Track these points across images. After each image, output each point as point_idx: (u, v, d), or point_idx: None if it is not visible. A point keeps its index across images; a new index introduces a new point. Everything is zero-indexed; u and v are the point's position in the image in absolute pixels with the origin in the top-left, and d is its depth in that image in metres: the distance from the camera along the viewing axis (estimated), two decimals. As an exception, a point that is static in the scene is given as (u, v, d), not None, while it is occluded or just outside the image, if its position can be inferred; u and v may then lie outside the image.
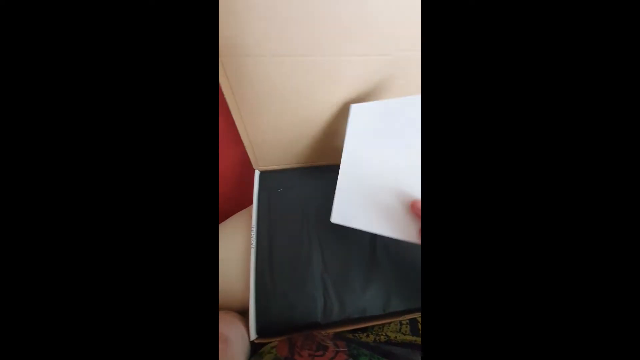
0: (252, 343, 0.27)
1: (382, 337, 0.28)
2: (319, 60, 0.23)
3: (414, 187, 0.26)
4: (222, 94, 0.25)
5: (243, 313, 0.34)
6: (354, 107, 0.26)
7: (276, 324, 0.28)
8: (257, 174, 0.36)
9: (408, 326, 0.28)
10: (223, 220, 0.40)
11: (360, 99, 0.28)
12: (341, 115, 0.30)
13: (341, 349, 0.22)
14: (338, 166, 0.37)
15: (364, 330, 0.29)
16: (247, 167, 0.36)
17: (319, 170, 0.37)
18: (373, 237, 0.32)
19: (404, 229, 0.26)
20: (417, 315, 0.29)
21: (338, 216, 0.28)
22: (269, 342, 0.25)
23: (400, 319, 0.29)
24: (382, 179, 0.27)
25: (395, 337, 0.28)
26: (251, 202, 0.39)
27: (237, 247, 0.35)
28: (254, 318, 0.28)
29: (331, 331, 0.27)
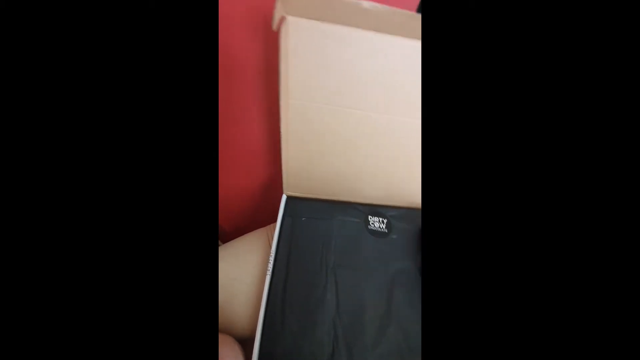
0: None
1: None
2: (371, 116, 0.26)
3: None
4: (279, 124, 0.27)
5: (241, 341, 0.32)
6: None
7: (279, 364, 0.26)
8: (284, 198, 0.36)
9: None
10: (242, 235, 0.40)
11: (399, 153, 0.31)
12: (380, 164, 0.32)
13: None
14: (364, 205, 0.37)
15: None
16: (276, 189, 0.36)
17: (346, 206, 0.37)
18: (391, 287, 0.31)
19: None
20: None
21: None
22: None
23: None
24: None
25: None
26: (271, 222, 0.39)
27: (250, 268, 0.35)
28: (257, 354, 0.26)
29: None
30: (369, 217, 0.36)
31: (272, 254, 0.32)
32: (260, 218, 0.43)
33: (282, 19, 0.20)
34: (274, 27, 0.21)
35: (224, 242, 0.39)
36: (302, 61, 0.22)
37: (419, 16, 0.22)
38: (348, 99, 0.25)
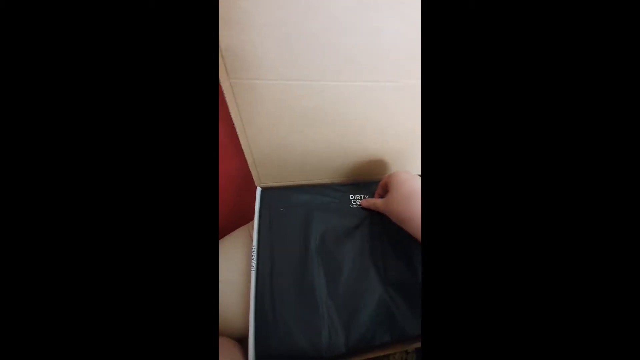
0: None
1: None
2: (329, 85, 0.24)
3: None
4: (228, 112, 0.24)
5: (240, 340, 0.32)
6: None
7: (277, 357, 0.26)
8: (258, 191, 0.34)
9: (414, 355, 0.27)
10: (222, 237, 0.39)
11: (366, 121, 0.28)
12: (349, 136, 0.29)
13: None
14: (343, 184, 0.36)
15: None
16: (248, 184, 0.34)
17: (323, 188, 0.35)
18: (378, 253, 0.31)
19: None
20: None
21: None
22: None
23: (407, 348, 0.27)
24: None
25: None
26: (250, 219, 0.37)
27: (236, 268, 0.34)
28: (252, 352, 0.26)
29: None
30: (350, 195, 0.35)
31: (253, 250, 0.30)
32: (239, 216, 0.41)
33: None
34: None
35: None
36: (233, 33, 0.19)
37: None
38: (298, 70, 0.22)
